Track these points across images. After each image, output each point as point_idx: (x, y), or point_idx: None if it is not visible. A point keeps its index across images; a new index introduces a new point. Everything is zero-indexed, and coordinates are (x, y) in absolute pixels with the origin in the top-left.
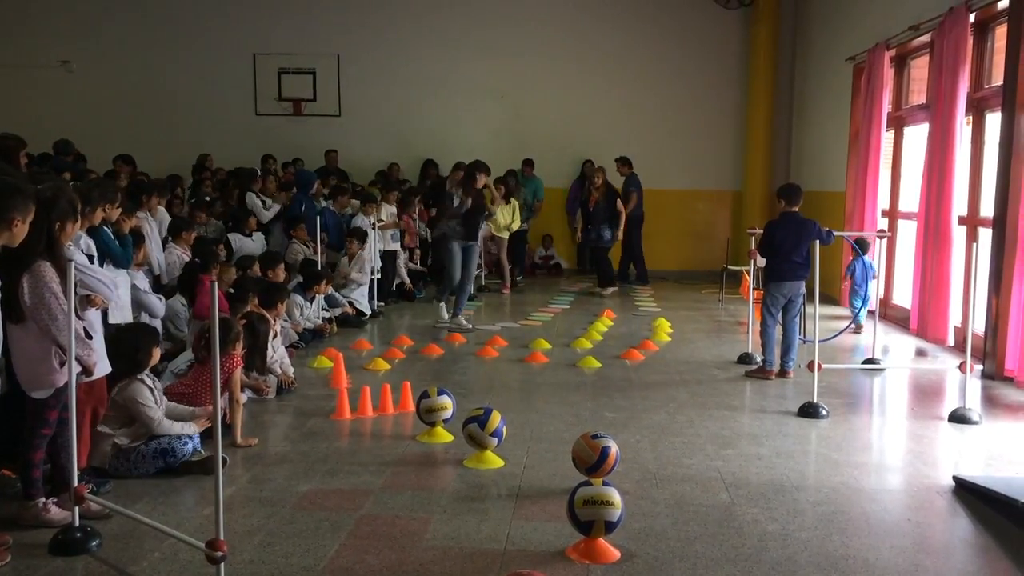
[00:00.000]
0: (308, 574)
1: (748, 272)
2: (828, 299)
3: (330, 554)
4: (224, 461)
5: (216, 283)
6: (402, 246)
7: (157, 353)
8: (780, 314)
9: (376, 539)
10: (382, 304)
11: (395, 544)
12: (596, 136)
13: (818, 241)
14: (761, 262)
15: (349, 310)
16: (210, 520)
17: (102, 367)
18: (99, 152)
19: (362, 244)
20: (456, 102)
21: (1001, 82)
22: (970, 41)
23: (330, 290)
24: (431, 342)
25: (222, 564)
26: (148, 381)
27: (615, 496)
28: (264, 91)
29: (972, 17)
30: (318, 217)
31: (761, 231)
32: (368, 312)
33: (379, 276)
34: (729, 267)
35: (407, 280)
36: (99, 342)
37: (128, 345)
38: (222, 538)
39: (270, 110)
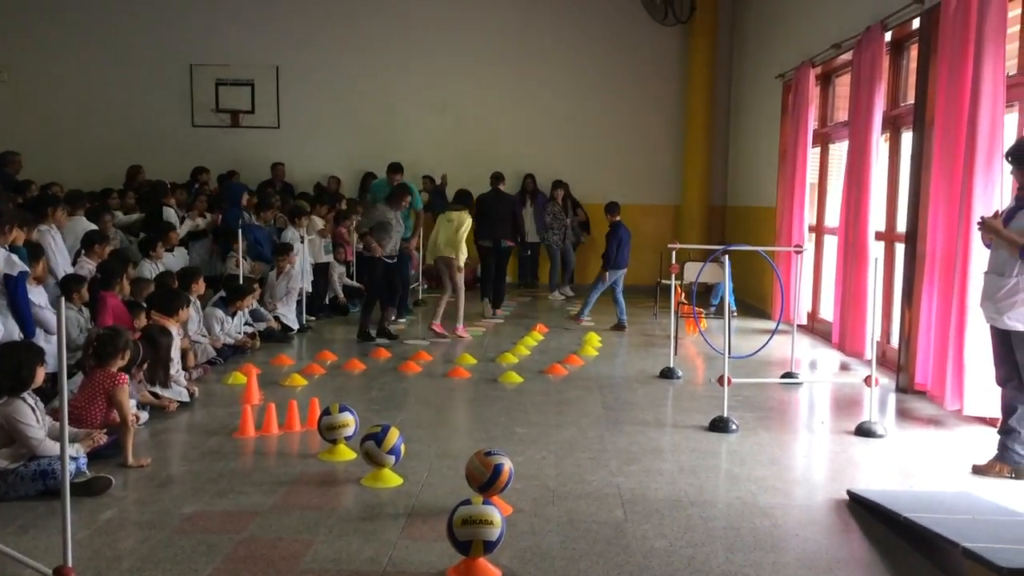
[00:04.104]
0: None
1: (680, 286)
2: (756, 312)
3: None
4: (109, 482)
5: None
6: (336, 259)
7: (42, 372)
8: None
9: (252, 562)
10: (312, 318)
11: (271, 568)
12: (537, 149)
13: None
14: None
15: (274, 325)
16: (82, 545)
17: None
18: (31, 163)
19: (290, 258)
20: (397, 114)
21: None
22: (886, 60)
23: (255, 304)
24: (354, 357)
25: None
26: (29, 400)
27: (495, 515)
28: (201, 102)
29: (888, 36)
30: (240, 232)
31: (680, 245)
32: (295, 327)
33: (310, 290)
34: (663, 281)
35: (340, 294)
36: None
37: (10, 362)
38: (71, 564)
39: (207, 121)
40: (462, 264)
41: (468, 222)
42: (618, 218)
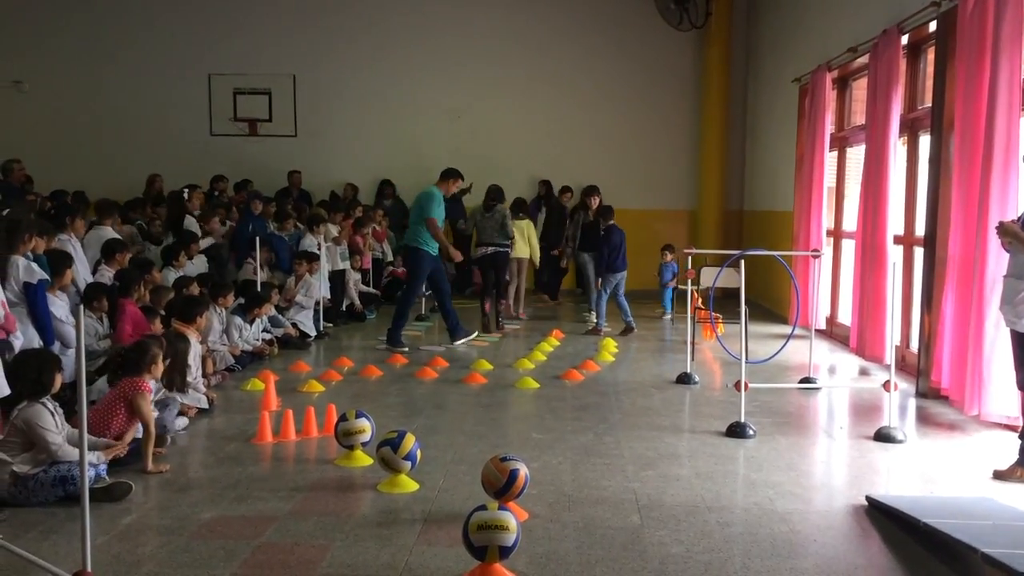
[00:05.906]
0: None
1: (697, 291)
2: (775, 316)
3: None
4: (128, 488)
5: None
6: (352, 266)
7: (60, 379)
8: (609, 293)
9: (270, 568)
10: (329, 325)
11: (288, 572)
12: (552, 156)
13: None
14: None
15: (292, 332)
16: (102, 550)
17: None
18: (51, 174)
19: (311, 265)
20: (412, 122)
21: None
22: (903, 63)
23: (273, 311)
24: (371, 364)
25: None
26: (49, 405)
27: (510, 520)
28: (219, 111)
29: (905, 39)
30: (259, 241)
31: (696, 251)
32: (313, 334)
33: (328, 297)
34: (681, 286)
35: (357, 301)
36: None
37: (31, 367)
38: (90, 569)
39: (225, 130)
40: (537, 262)
41: (533, 227)
42: (611, 222)
